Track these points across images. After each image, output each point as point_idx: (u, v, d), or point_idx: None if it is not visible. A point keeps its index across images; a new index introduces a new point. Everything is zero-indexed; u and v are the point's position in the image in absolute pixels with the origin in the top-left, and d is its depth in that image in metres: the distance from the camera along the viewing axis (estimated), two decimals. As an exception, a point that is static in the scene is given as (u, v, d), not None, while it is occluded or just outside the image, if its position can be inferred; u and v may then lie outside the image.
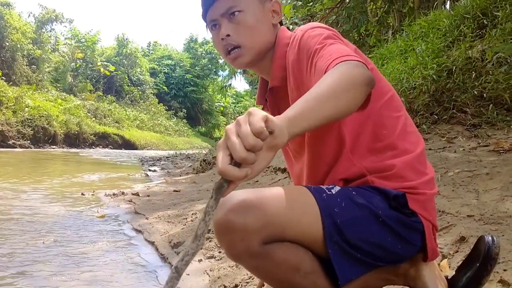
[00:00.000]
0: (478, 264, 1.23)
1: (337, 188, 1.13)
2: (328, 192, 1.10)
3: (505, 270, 1.53)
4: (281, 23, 1.39)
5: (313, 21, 7.66)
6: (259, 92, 1.46)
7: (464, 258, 1.38)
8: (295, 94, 1.24)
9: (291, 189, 1.09)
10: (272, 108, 1.39)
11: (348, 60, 1.00)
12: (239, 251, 1.00)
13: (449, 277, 1.33)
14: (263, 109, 1.44)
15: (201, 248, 0.82)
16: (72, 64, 34.36)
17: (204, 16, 1.34)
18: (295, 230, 1.03)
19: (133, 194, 5.30)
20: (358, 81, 0.96)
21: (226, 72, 18.61)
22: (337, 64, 1.00)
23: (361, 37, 7.80)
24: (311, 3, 7.83)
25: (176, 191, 5.50)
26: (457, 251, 1.80)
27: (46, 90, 27.94)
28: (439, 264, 1.64)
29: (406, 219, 1.13)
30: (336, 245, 1.05)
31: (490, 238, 1.24)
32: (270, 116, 0.81)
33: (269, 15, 1.32)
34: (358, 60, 1.01)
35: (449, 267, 1.64)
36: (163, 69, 49.66)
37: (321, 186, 1.14)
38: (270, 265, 1.02)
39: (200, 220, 0.81)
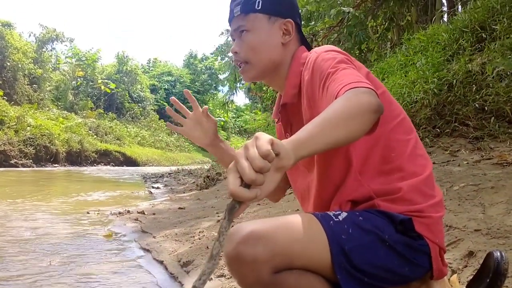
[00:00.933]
0: (488, 280, 1.25)
1: (344, 214, 1.15)
2: (335, 219, 1.12)
3: (514, 285, 1.55)
4: (304, 41, 1.44)
5: (315, 39, 7.79)
6: (276, 106, 1.50)
7: (473, 273, 1.41)
8: (308, 113, 1.27)
9: (299, 218, 1.11)
10: (285, 124, 1.43)
11: (358, 87, 1.04)
12: (251, 282, 1.02)
13: (459, 293, 1.35)
14: (276, 123, 1.50)
15: (216, 267, 0.85)
16: (73, 82, 34.59)
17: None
18: (304, 258, 1.06)
19: (138, 212, 5.32)
20: (366, 108, 0.99)
21: (226, 87, 18.63)
22: (347, 90, 1.04)
23: (362, 53, 7.89)
24: (313, 22, 7.93)
25: (181, 208, 5.52)
26: (466, 266, 1.82)
27: (47, 108, 28.11)
28: (449, 279, 1.66)
29: (413, 242, 1.15)
30: (345, 271, 1.07)
31: (498, 254, 1.26)
32: (276, 139, 0.85)
33: (278, 35, 1.37)
34: (367, 87, 1.04)
35: (459, 281, 1.66)
36: (163, 86, 49.92)
37: (327, 212, 1.16)
38: None
39: (215, 241, 0.86)
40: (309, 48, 1.44)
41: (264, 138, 0.84)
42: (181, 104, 1.56)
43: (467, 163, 3.33)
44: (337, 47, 1.35)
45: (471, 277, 1.36)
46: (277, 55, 1.37)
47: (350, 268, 1.07)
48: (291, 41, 1.40)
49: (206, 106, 1.59)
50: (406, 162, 1.24)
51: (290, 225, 1.08)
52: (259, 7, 1.34)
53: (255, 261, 0.99)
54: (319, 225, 1.10)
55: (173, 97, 1.57)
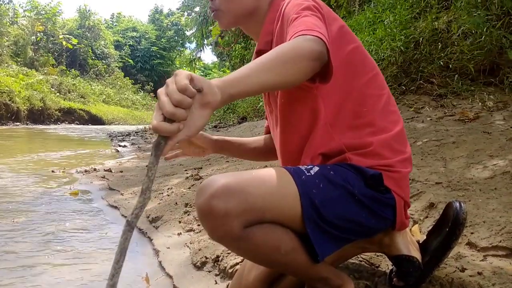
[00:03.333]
0: (447, 229, 1.31)
1: (316, 168, 1.16)
2: (307, 173, 1.14)
3: (472, 233, 1.63)
4: None
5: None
6: (254, 57, 1.49)
7: (434, 223, 1.47)
8: None
9: (271, 172, 1.12)
10: None
11: (306, 35, 1.03)
12: (221, 235, 1.04)
13: (420, 242, 1.41)
14: None
15: (148, 202, 0.89)
16: (32, 37, 32.95)
17: None
18: (275, 212, 1.08)
19: (105, 170, 5.25)
20: (303, 54, 0.99)
21: (194, 44, 18.19)
22: (296, 37, 1.04)
23: (331, 9, 7.82)
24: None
25: (149, 166, 5.47)
26: (427, 217, 1.89)
27: (6, 65, 26.82)
28: (410, 229, 1.73)
29: (381, 196, 1.19)
30: (314, 224, 1.10)
31: (457, 204, 1.32)
32: (195, 75, 0.86)
33: None
34: (315, 35, 1.03)
35: (420, 231, 1.74)
36: (128, 42, 48.42)
37: (300, 167, 1.17)
38: (252, 247, 1.06)
39: (144, 176, 0.88)
40: None
41: (183, 74, 0.85)
42: (172, 155, 1.55)
43: (431, 119, 3.42)
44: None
45: (431, 227, 1.42)
46: (250, 3, 1.35)
47: (319, 221, 1.10)
48: None
49: None
50: (378, 117, 1.25)
51: (263, 180, 1.09)
52: None
53: (226, 215, 1.00)
54: (291, 180, 1.11)
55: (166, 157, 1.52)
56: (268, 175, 1.11)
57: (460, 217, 1.29)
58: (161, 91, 0.84)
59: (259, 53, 1.37)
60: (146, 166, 0.89)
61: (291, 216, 1.10)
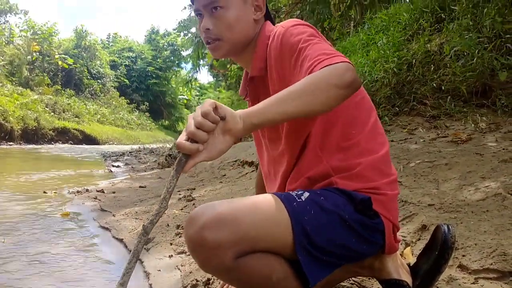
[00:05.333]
0: (436, 253, 1.30)
1: (306, 194, 1.16)
2: (298, 200, 1.14)
3: (463, 256, 1.62)
4: (268, 16, 1.42)
5: (277, 16, 7.76)
6: (242, 83, 1.49)
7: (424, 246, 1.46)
8: (278, 86, 1.27)
9: (263, 199, 1.12)
10: (253, 98, 1.43)
11: (332, 64, 1.04)
12: (213, 267, 1.03)
13: (411, 265, 1.40)
14: (244, 99, 1.50)
15: (164, 211, 0.99)
16: (28, 57, 33.02)
17: (192, 2, 1.37)
18: (267, 241, 1.07)
19: (97, 191, 5.21)
20: (337, 83, 1.01)
21: (190, 64, 18.27)
22: (321, 67, 1.04)
23: (324, 31, 7.93)
24: (275, -1, 7.91)
25: (142, 187, 5.44)
26: (419, 239, 1.88)
27: (0, 84, 26.85)
28: (402, 252, 1.72)
29: (370, 222, 1.18)
30: (305, 251, 1.09)
31: (446, 227, 1.31)
32: (220, 104, 0.95)
33: (250, 11, 1.35)
34: (343, 61, 1.05)
35: (412, 254, 1.72)
36: (124, 62, 48.66)
37: (290, 193, 1.17)
38: (244, 277, 1.06)
39: (164, 187, 0.99)
40: (273, 22, 1.42)
41: (208, 101, 0.95)
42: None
43: (424, 140, 3.42)
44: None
45: (421, 251, 1.41)
46: (251, 32, 1.36)
47: (311, 248, 1.10)
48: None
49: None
50: (365, 139, 1.26)
51: (254, 207, 1.08)
52: None
53: (219, 246, 0.99)
54: (283, 207, 1.11)
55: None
56: (260, 202, 1.10)
57: (449, 241, 1.28)
58: (190, 115, 0.96)
59: (253, 79, 1.38)
60: (168, 180, 0.99)
61: (283, 243, 1.09)
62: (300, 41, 1.18)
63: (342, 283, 1.53)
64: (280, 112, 0.98)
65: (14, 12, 31.06)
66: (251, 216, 1.05)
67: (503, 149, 2.80)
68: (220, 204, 1.05)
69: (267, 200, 1.11)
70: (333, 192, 1.18)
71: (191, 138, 0.94)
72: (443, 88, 4.07)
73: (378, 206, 1.20)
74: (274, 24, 1.40)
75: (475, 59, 3.85)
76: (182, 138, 0.94)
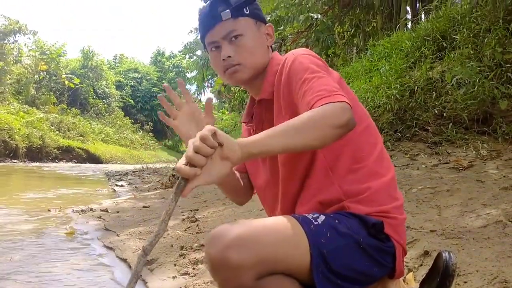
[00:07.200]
0: (438, 280, 1.32)
1: (322, 217, 1.19)
2: (315, 223, 1.16)
3: (465, 282, 1.64)
4: (272, 48, 1.48)
5: (284, 44, 7.92)
6: (246, 110, 1.53)
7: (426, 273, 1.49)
8: (284, 112, 1.32)
9: (282, 221, 1.14)
10: (258, 121, 1.46)
11: (332, 102, 1.10)
12: (232, 287, 1.03)
13: (413, 291, 1.42)
14: (246, 125, 1.55)
15: (163, 233, 1.01)
16: (35, 76, 33.48)
17: (203, 38, 1.42)
18: (286, 263, 1.09)
19: (102, 210, 5.24)
20: (334, 123, 1.07)
21: (194, 86, 18.47)
22: (321, 104, 1.10)
23: (329, 58, 8.07)
24: (282, 27, 8.07)
25: (146, 207, 5.47)
26: (421, 265, 1.91)
27: (7, 102, 27.15)
28: (405, 277, 1.74)
29: (382, 245, 1.21)
30: (322, 274, 1.11)
31: (447, 254, 1.33)
32: (219, 131, 0.98)
33: (264, 38, 1.42)
34: (341, 101, 1.11)
35: (415, 279, 1.75)
36: (129, 82, 49.13)
37: (307, 216, 1.19)
38: None
39: (165, 210, 1.01)
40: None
41: (207, 128, 0.98)
42: (174, 93, 1.49)
43: (426, 166, 3.46)
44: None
45: (423, 277, 1.44)
46: (266, 57, 1.42)
47: (327, 271, 1.11)
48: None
49: (211, 98, 1.46)
50: (374, 163, 1.29)
51: (275, 229, 1.10)
52: (248, 12, 1.37)
53: (240, 267, 1.00)
54: (301, 229, 1.13)
55: (166, 84, 1.53)
56: (280, 224, 1.12)
57: (450, 269, 1.30)
58: (190, 139, 0.99)
59: (260, 102, 1.43)
60: (168, 202, 1.01)
61: (301, 266, 1.10)
62: (307, 70, 1.24)
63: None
64: (280, 145, 1.03)
65: (23, 32, 31.53)
66: (272, 237, 1.07)
67: (504, 176, 2.84)
68: (241, 224, 1.06)
69: (286, 221, 1.13)
70: (346, 216, 1.21)
71: (188, 162, 0.96)
72: (444, 115, 4.12)
73: (389, 230, 1.22)
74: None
75: (476, 87, 3.92)
76: (181, 162, 0.97)
